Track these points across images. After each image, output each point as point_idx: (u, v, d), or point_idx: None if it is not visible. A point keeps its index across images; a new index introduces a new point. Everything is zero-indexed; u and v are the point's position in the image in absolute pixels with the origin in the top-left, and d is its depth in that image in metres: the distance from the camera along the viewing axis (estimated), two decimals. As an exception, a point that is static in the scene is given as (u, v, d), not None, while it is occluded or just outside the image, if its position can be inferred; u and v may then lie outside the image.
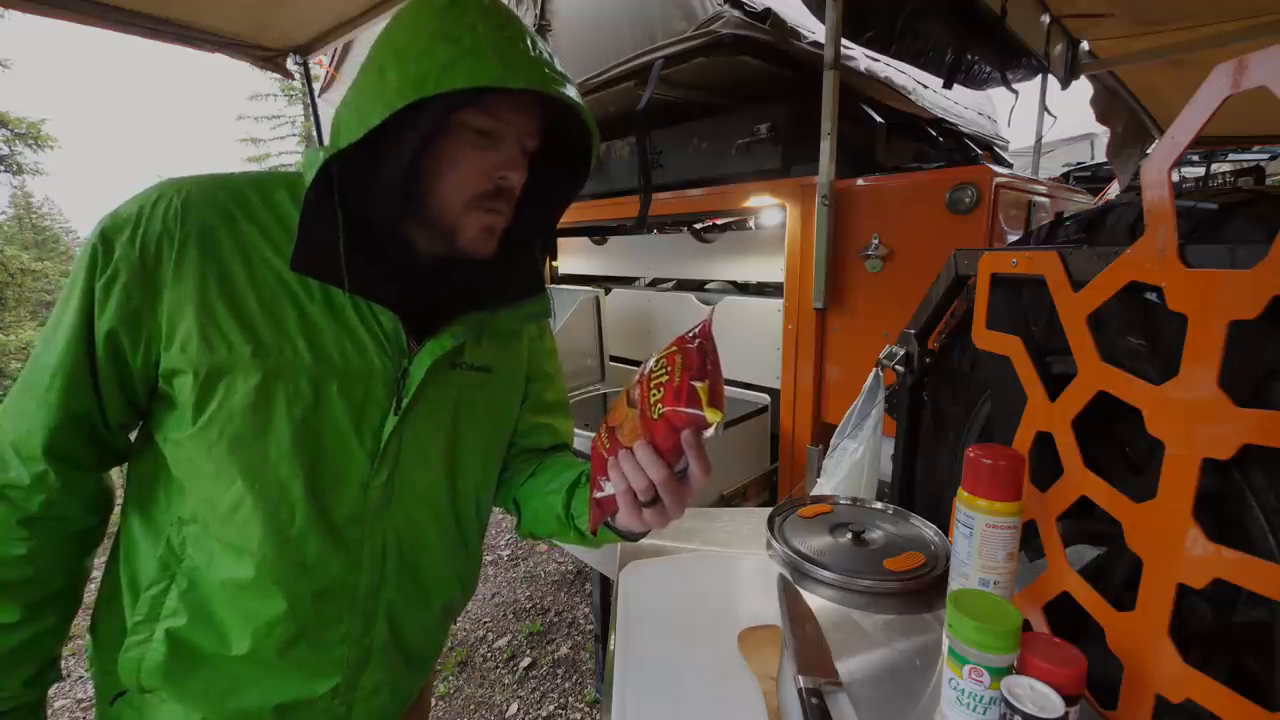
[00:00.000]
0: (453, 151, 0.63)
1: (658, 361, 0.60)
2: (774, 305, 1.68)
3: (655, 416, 0.57)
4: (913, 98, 2.14)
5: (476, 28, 0.59)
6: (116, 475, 0.70)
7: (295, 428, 0.62)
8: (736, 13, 1.58)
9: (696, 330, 0.61)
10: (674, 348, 0.59)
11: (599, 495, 0.64)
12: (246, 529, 0.62)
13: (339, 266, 0.62)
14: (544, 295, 0.78)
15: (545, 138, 0.69)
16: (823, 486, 1.10)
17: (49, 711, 2.10)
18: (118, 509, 0.68)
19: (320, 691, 0.68)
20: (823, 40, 1.38)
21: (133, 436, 0.69)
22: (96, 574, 0.69)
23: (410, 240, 0.67)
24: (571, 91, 0.63)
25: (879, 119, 1.78)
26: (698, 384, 0.55)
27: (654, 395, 0.57)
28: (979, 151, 2.35)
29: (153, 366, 0.61)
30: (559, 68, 0.63)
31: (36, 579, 0.62)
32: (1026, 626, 0.60)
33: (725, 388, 0.60)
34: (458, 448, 0.74)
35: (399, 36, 0.60)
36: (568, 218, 0.78)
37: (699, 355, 0.58)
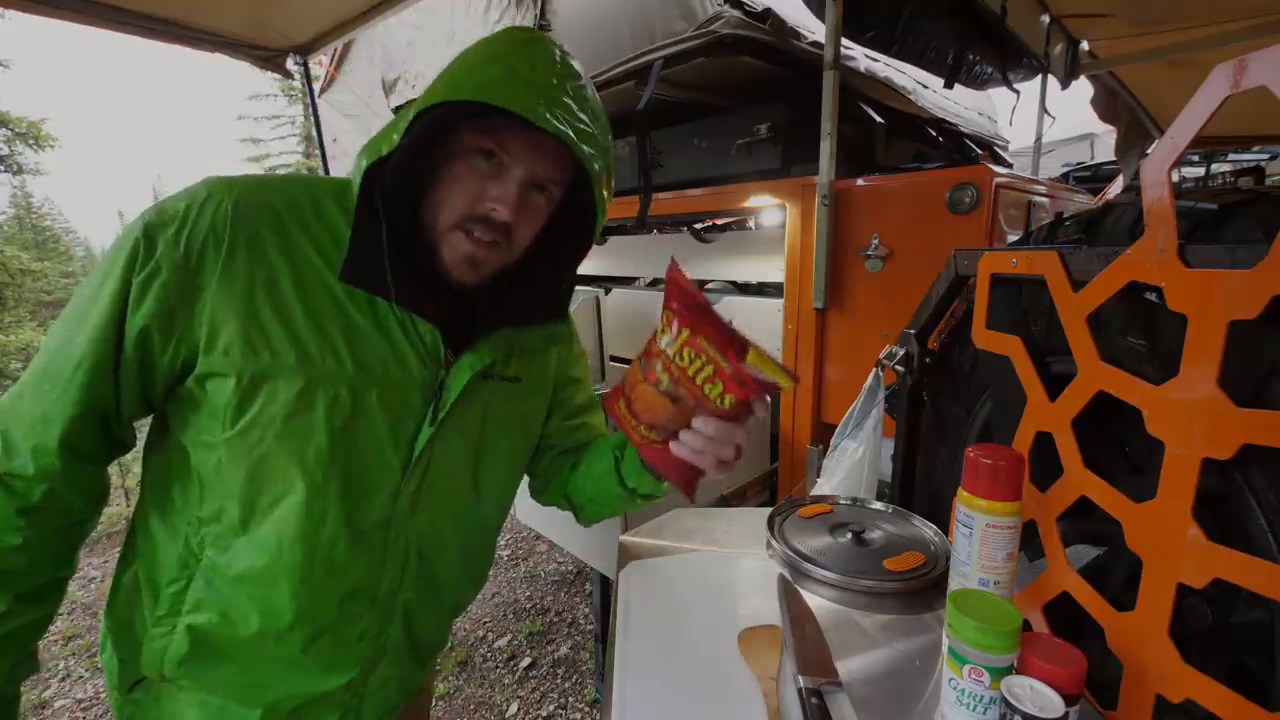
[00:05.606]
0: (458, 171, 0.63)
1: (679, 352, 0.59)
2: (774, 305, 1.68)
3: (727, 406, 0.58)
4: (913, 98, 2.13)
5: (538, 68, 0.60)
6: (113, 474, 0.70)
7: (333, 435, 0.62)
8: (736, 13, 1.57)
9: (679, 291, 0.60)
10: (685, 331, 0.59)
11: (669, 466, 0.66)
12: (278, 531, 0.63)
13: (385, 277, 0.62)
14: (567, 320, 0.84)
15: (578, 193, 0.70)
16: (823, 486, 1.10)
17: (49, 712, 2.10)
18: (115, 509, 0.68)
19: (336, 685, 0.70)
20: (823, 40, 1.38)
21: (140, 436, 0.69)
22: (95, 571, 0.68)
23: (435, 256, 0.66)
24: (592, 157, 0.61)
25: (879, 119, 1.78)
26: (749, 358, 0.56)
27: (710, 389, 0.58)
28: (979, 151, 2.35)
29: (180, 367, 0.61)
30: (593, 130, 0.62)
31: (29, 570, 0.61)
32: (1026, 626, 0.60)
33: None
34: (484, 455, 0.76)
35: (468, 53, 0.62)
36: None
37: (713, 325, 0.58)
